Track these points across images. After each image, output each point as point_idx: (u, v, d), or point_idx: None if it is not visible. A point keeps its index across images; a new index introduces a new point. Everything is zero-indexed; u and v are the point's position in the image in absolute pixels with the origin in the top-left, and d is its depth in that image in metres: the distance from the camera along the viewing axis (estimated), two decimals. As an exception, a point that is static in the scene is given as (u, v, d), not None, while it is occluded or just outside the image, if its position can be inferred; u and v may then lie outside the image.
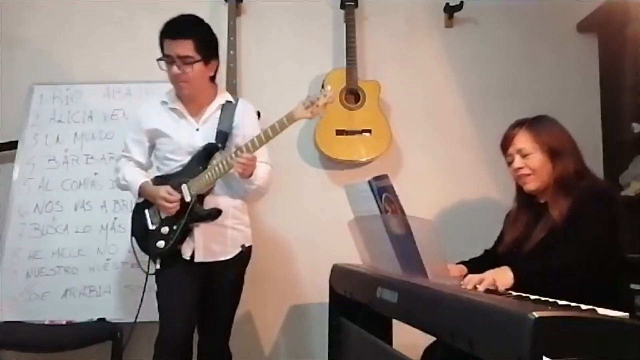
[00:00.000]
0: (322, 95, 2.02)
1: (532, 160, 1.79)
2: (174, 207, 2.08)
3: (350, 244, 2.05)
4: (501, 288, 1.47)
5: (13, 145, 2.77)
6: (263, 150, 2.11)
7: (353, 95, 2.83)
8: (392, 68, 2.96)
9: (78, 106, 2.80)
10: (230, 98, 2.22)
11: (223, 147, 2.12)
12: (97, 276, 2.59)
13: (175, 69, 2.05)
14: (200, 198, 2.11)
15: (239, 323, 2.73)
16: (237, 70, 2.79)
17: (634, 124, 2.63)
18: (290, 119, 2.02)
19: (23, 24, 2.94)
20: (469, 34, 3.01)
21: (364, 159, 2.80)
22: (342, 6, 2.93)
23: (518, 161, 1.82)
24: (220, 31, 2.89)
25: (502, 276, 1.51)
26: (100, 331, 2.47)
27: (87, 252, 2.62)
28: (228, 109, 2.18)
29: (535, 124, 1.83)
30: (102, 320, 2.50)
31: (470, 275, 1.54)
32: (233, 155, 2.03)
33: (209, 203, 2.13)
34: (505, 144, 1.87)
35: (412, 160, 2.92)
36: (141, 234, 2.19)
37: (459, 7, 2.92)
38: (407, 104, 2.95)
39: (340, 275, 2.19)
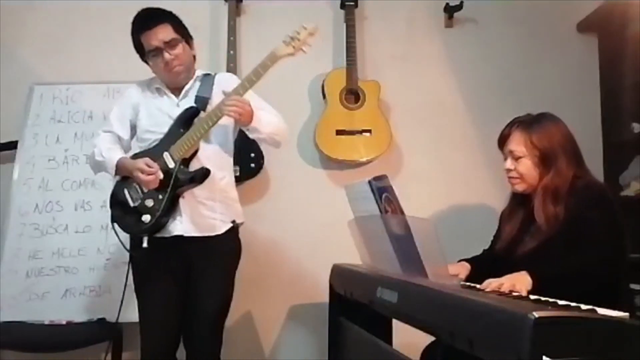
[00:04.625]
0: (302, 29, 1.98)
1: (522, 164, 1.80)
2: (153, 178, 1.96)
3: (350, 244, 2.05)
4: (523, 292, 1.48)
5: (13, 145, 2.76)
6: (261, 102, 2.10)
7: (353, 95, 2.82)
8: (392, 68, 2.96)
9: (78, 106, 2.80)
10: (208, 72, 2.19)
11: (203, 110, 2.05)
12: (97, 276, 2.59)
13: (167, 55, 2.02)
14: (185, 163, 2.02)
15: (239, 323, 2.75)
16: (237, 70, 2.78)
17: (634, 124, 2.63)
18: (273, 58, 1.98)
19: (23, 24, 2.94)
20: (469, 34, 3.01)
21: (364, 159, 2.80)
22: (342, 6, 2.93)
23: (509, 163, 1.84)
24: (220, 31, 2.91)
25: (521, 281, 1.51)
26: (100, 331, 2.47)
27: (87, 252, 2.61)
28: (207, 79, 2.15)
29: (531, 125, 1.81)
30: (102, 320, 2.49)
31: (489, 280, 1.55)
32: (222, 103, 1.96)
33: (195, 167, 2.03)
34: (500, 141, 1.88)
35: (412, 160, 2.92)
36: (123, 215, 2.05)
37: (459, 7, 2.92)
38: (407, 104, 2.95)
39: (340, 275, 2.19)
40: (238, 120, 1.99)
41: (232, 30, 2.84)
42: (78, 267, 2.60)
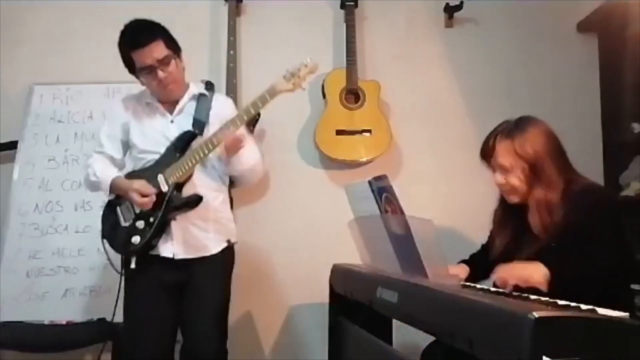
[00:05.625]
0: (302, 66, 1.98)
1: (513, 178, 1.74)
2: (148, 201, 1.98)
3: (350, 244, 2.05)
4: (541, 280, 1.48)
5: (13, 145, 2.77)
6: (247, 136, 2.09)
7: (353, 95, 2.82)
8: (392, 68, 2.96)
9: (78, 106, 2.80)
10: (204, 91, 2.19)
11: (201, 135, 2.06)
12: (97, 276, 2.59)
13: (160, 73, 2.01)
14: (178, 187, 2.02)
15: (239, 323, 2.75)
16: (237, 70, 2.79)
17: (634, 124, 2.63)
18: (272, 93, 1.98)
19: (23, 24, 2.94)
20: (469, 34, 3.01)
21: (364, 159, 2.80)
22: (342, 6, 2.93)
23: (499, 177, 1.78)
24: (221, 31, 2.91)
25: (535, 269, 1.51)
26: (100, 331, 2.46)
27: (87, 252, 2.61)
28: (204, 100, 2.14)
29: (511, 133, 1.75)
30: (102, 320, 2.49)
31: (499, 266, 1.57)
32: (217, 133, 1.97)
33: (188, 192, 2.03)
34: (485, 155, 1.82)
35: (412, 160, 2.92)
36: (113, 233, 2.08)
37: (459, 7, 2.91)
38: (407, 104, 2.94)
39: (340, 275, 2.18)
40: (229, 149, 2.01)
41: (232, 30, 2.83)
42: (78, 267, 2.60)
